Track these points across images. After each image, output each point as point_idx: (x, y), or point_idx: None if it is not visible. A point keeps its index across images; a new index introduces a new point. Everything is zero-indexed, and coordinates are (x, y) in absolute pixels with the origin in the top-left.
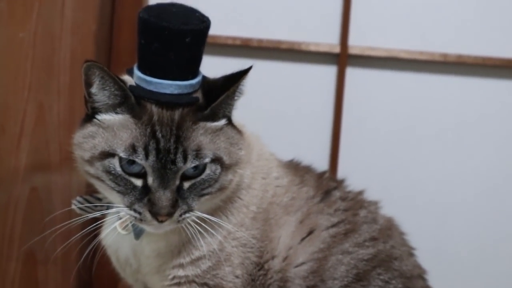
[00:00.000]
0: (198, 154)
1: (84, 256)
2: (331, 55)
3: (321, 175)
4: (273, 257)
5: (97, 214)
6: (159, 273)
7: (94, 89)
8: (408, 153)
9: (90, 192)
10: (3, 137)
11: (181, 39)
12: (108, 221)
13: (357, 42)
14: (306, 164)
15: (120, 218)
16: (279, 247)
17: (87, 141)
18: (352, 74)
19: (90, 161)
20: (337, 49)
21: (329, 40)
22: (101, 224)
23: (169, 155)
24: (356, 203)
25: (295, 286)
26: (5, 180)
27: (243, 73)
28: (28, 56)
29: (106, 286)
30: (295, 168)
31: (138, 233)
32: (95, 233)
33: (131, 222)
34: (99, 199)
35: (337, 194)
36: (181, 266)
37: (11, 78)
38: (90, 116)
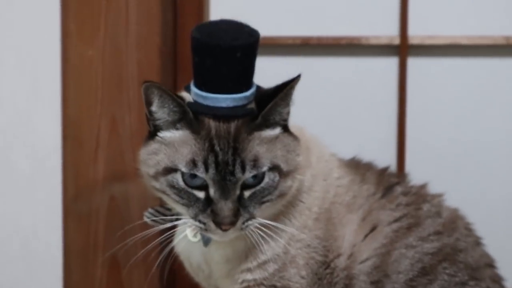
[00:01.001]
0: (255, 164)
1: (159, 262)
2: (391, 47)
3: (382, 171)
4: (338, 255)
5: (168, 225)
6: (229, 277)
7: (154, 108)
8: (476, 140)
9: (161, 202)
10: (81, 151)
11: (232, 55)
12: (179, 229)
13: (417, 32)
14: (367, 161)
15: (190, 226)
16: (344, 245)
17: (151, 157)
18: (414, 64)
19: (155, 177)
20: (397, 41)
21: (389, 32)
22: (175, 231)
23: (228, 167)
24: (419, 197)
25: (360, 283)
26: (85, 191)
27: (290, 82)
28: (98, 72)
29: (188, 286)
30: (356, 167)
31: (206, 241)
32: (171, 239)
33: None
34: (169, 209)
35: (398, 189)
36: (249, 270)
37: (84, 95)
38: (152, 134)
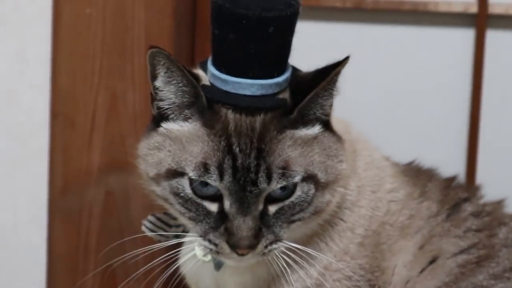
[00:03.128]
0: (285, 172)
1: (160, 281)
2: (466, 16)
3: (448, 182)
4: None
5: (173, 242)
6: None
7: (158, 82)
8: None
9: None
10: (73, 133)
11: (263, 29)
12: (187, 245)
13: None
14: (429, 168)
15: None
16: (394, 279)
17: (153, 153)
18: (494, 37)
19: (155, 179)
20: (474, 8)
21: None
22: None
23: (249, 174)
24: (494, 219)
25: None
26: (77, 182)
27: (335, 66)
28: (97, 35)
29: None
30: (416, 176)
31: (218, 264)
32: (177, 256)
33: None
34: (175, 218)
35: (468, 208)
36: None
37: (78, 63)
38: (156, 122)
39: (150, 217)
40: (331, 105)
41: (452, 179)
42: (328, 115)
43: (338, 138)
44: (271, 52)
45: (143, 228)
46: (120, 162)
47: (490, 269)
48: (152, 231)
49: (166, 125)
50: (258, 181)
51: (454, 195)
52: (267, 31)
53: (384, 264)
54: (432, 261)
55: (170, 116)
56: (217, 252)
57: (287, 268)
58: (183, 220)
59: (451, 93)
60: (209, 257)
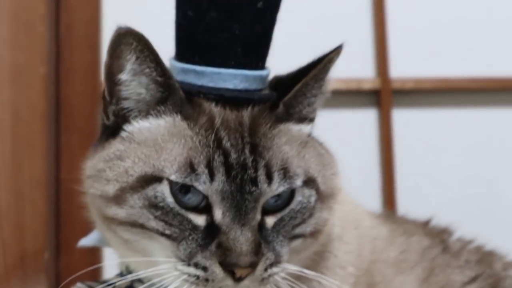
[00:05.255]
0: (286, 172)
1: None
2: (368, 94)
3: (425, 223)
4: None
5: None
6: None
7: (125, 74)
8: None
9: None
10: None
11: (251, 3)
12: None
13: (400, 73)
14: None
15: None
16: None
17: (112, 166)
18: (399, 115)
19: (118, 197)
20: (376, 84)
21: (364, 74)
22: None
23: (247, 171)
24: (486, 253)
25: None
26: None
27: (328, 55)
28: None
29: None
30: (388, 217)
31: None
32: None
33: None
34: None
35: (457, 243)
36: None
37: None
38: (111, 131)
39: (80, 284)
40: (315, 108)
41: (427, 221)
42: (313, 119)
43: (328, 149)
44: (258, 34)
45: None
46: None
47: None
48: None
49: (130, 127)
50: (258, 180)
51: (437, 232)
52: (255, 6)
53: None
54: None
55: (137, 117)
56: (206, 280)
57: None
58: (159, 242)
59: (363, 172)
60: None
